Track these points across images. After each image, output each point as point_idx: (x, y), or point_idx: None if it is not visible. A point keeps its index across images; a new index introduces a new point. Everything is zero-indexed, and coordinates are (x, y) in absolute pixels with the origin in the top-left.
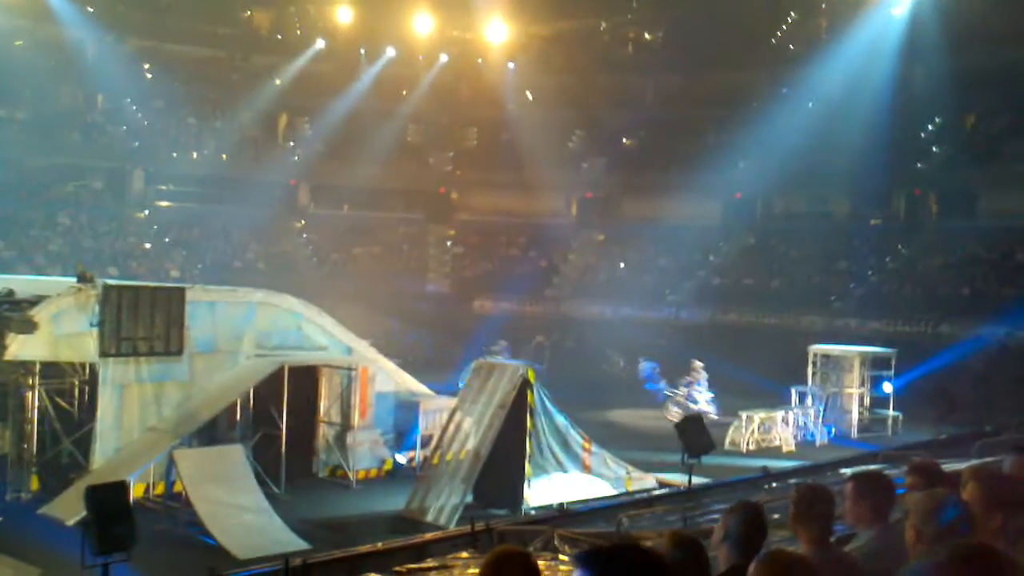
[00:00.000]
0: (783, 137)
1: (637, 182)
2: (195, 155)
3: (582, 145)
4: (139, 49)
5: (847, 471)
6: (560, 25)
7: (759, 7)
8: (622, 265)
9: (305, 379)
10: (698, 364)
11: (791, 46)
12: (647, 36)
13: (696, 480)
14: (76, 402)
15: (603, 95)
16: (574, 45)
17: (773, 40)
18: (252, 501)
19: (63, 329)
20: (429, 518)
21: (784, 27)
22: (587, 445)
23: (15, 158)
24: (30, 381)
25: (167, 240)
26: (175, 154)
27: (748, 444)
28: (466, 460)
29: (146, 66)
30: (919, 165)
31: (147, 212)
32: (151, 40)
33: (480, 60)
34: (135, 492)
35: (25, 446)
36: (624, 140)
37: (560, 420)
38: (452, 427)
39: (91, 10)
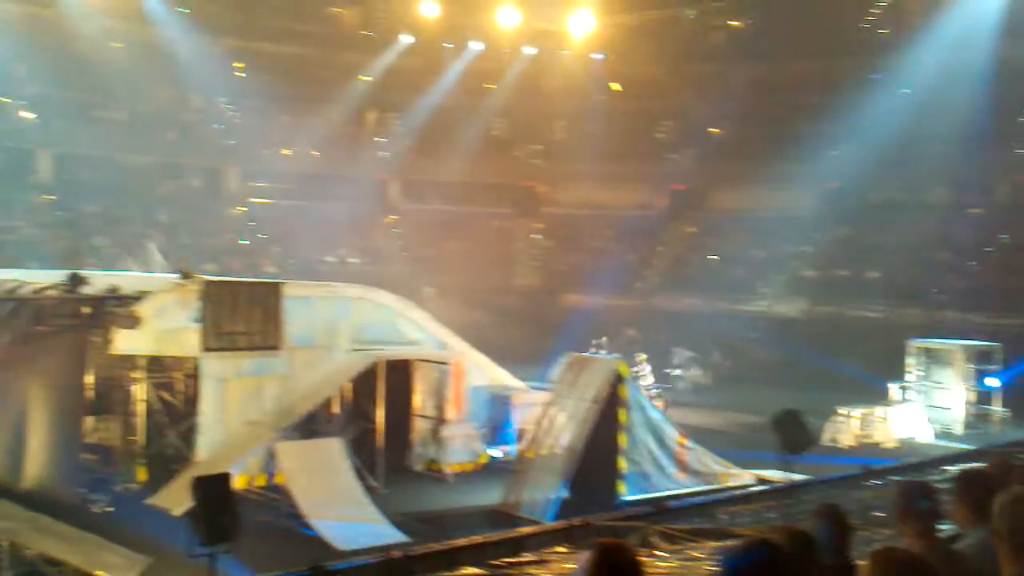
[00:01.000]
0: (877, 125)
1: (727, 172)
2: (288, 152)
3: (670, 136)
4: (232, 48)
5: (951, 469)
6: (646, 15)
7: None
8: (713, 257)
9: (400, 373)
10: (642, 356)
11: (883, 30)
12: (735, 24)
13: (794, 477)
14: (180, 395)
15: (691, 85)
16: (660, 35)
17: (864, 25)
18: (351, 494)
19: (166, 324)
20: (524, 512)
21: (875, 11)
22: (682, 440)
23: (115, 157)
24: (135, 375)
25: (262, 236)
26: (268, 152)
27: (847, 441)
28: (560, 454)
29: (239, 65)
30: (1021, 151)
31: (243, 209)
32: (243, 39)
33: (566, 52)
34: (237, 484)
35: (132, 438)
36: (713, 130)
37: (654, 415)
38: (546, 421)
39: (185, 11)
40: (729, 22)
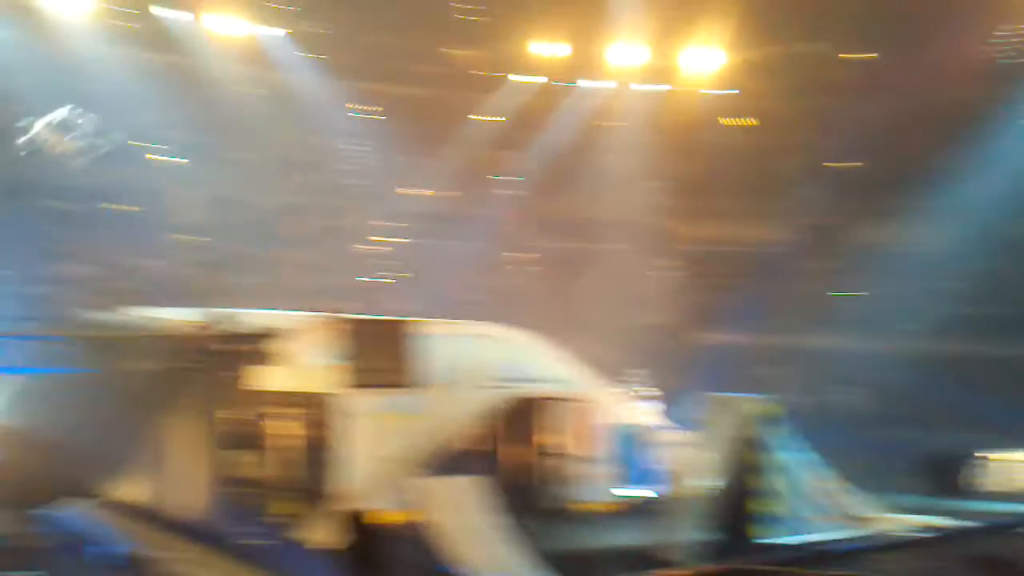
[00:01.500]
0: (1017, 155)
1: (862, 207)
2: (413, 192)
3: (803, 170)
4: (358, 91)
5: None
6: (773, 49)
7: (978, 22)
8: (849, 294)
9: (534, 411)
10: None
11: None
12: (864, 56)
13: (943, 523)
14: (319, 432)
15: (820, 118)
16: (788, 68)
17: (1000, 54)
18: (490, 533)
19: (305, 361)
20: (665, 555)
21: (1012, 40)
22: (832, 482)
23: (247, 199)
24: (275, 411)
25: (390, 275)
26: (394, 191)
27: (990, 485)
28: (703, 496)
29: (365, 107)
30: None
31: (371, 248)
32: (369, 82)
33: (693, 87)
34: (379, 520)
35: (276, 474)
36: (848, 164)
37: (801, 456)
38: (687, 461)
39: (311, 55)
40: (858, 54)
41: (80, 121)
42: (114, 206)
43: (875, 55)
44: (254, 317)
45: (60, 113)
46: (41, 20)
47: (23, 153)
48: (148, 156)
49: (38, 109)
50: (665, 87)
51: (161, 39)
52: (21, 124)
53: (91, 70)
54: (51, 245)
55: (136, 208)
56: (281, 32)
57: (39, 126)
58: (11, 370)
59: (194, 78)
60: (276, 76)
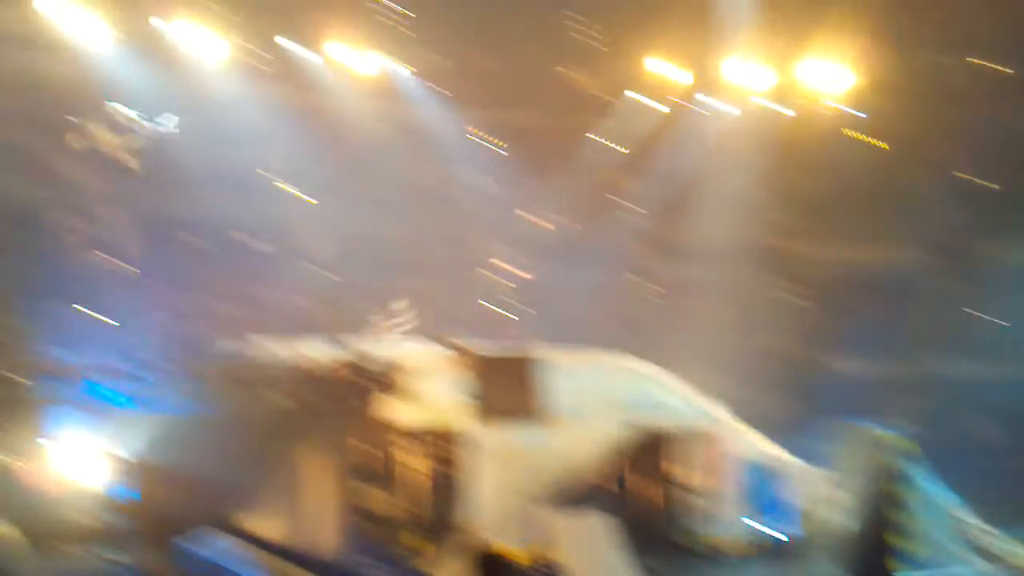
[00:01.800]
0: None
1: (1000, 226)
2: (535, 220)
3: (935, 188)
4: (479, 120)
5: None
6: (904, 64)
7: None
8: (987, 318)
9: (662, 444)
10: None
11: None
12: (999, 68)
13: None
14: (449, 466)
15: (955, 134)
16: (919, 86)
17: None
18: (620, 568)
19: (436, 395)
20: None
21: None
22: (970, 518)
23: (374, 231)
24: (406, 445)
25: (515, 305)
26: (516, 220)
27: None
28: (838, 536)
29: (486, 137)
30: None
31: (495, 278)
32: (489, 111)
33: (817, 105)
34: (507, 556)
35: (405, 508)
36: (983, 181)
37: (938, 490)
38: (820, 496)
39: (435, 87)
40: (991, 67)
41: (130, 118)
42: (248, 241)
43: (1012, 68)
44: (382, 349)
45: (110, 111)
46: (179, 61)
47: (78, 150)
48: (280, 191)
49: (174, 147)
50: (788, 105)
51: (293, 77)
52: (73, 123)
53: (227, 108)
54: (187, 281)
55: (268, 242)
56: (405, 67)
57: (92, 126)
58: (149, 406)
59: (322, 114)
60: (401, 109)
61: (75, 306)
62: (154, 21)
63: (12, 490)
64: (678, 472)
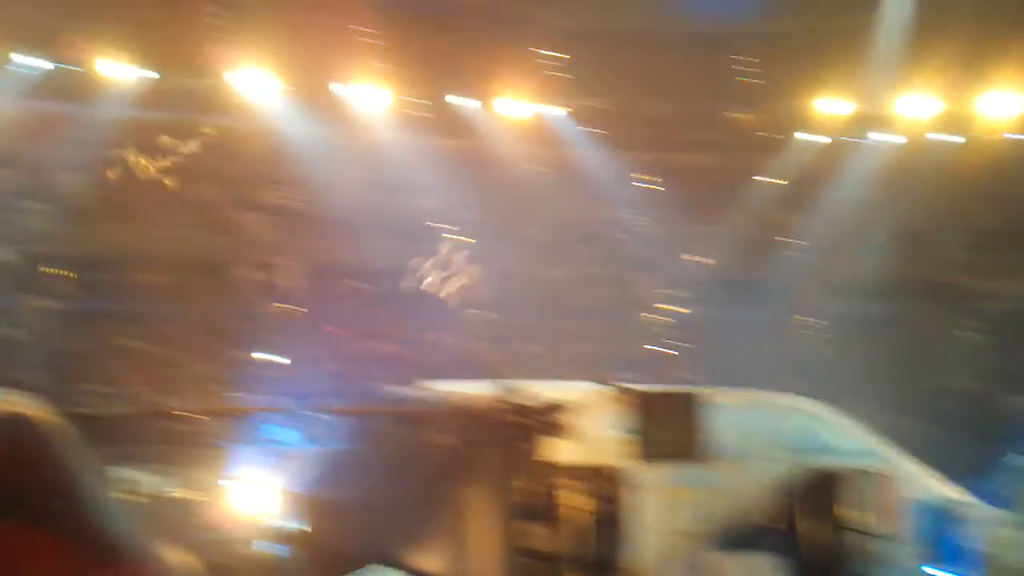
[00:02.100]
0: None
1: None
2: (697, 259)
3: None
4: (637, 161)
5: None
6: None
7: None
8: None
9: (833, 485)
10: None
11: None
12: None
13: None
14: (608, 504)
15: None
16: None
17: None
18: None
19: (593, 433)
20: None
21: None
22: None
23: (533, 272)
24: (564, 483)
25: (676, 344)
26: (677, 259)
27: None
28: None
29: (645, 177)
30: None
31: (656, 317)
32: (647, 152)
33: (991, 135)
34: None
35: (567, 547)
36: None
37: None
38: (1001, 541)
39: (590, 129)
40: None
41: (163, 144)
42: (412, 284)
43: None
44: (544, 389)
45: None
46: (343, 114)
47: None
48: (444, 236)
49: (342, 197)
50: (960, 136)
51: (451, 124)
52: (113, 155)
53: (388, 158)
54: (355, 324)
55: (432, 286)
56: (562, 110)
57: (129, 154)
58: (320, 444)
59: (482, 159)
60: (559, 153)
61: (251, 351)
62: (332, 85)
63: (194, 524)
64: (850, 514)
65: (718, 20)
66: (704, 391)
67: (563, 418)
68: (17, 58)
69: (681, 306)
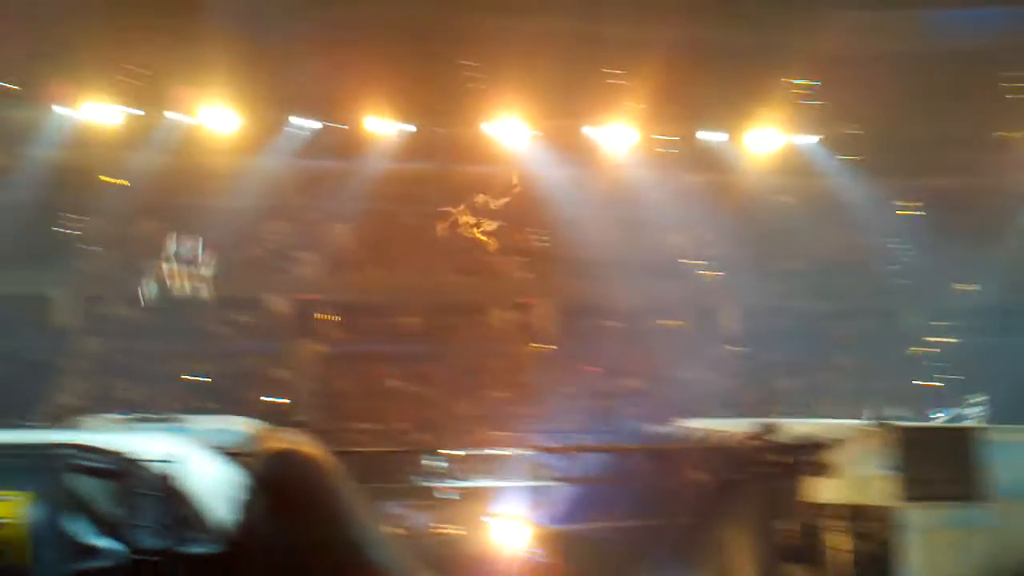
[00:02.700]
0: None
1: None
2: (967, 287)
3: None
4: (899, 187)
5: None
6: None
7: None
8: None
9: None
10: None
11: None
12: None
13: None
14: (875, 547)
15: None
16: None
17: None
18: None
19: (859, 472)
20: None
21: None
22: None
23: (795, 306)
24: (829, 524)
25: (946, 377)
26: (946, 288)
27: None
28: None
29: (903, 203)
30: None
31: (924, 350)
32: (909, 178)
33: None
34: None
35: None
36: None
37: None
38: None
39: (848, 157)
40: None
41: (189, 250)
42: (665, 322)
43: None
44: (804, 426)
45: (174, 249)
46: (593, 156)
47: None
48: (695, 271)
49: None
50: None
51: (701, 160)
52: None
53: (639, 196)
54: (606, 361)
55: (683, 322)
56: (814, 138)
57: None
58: (572, 481)
59: (734, 193)
60: (813, 182)
61: (508, 390)
62: (582, 128)
63: (455, 559)
64: None
65: (978, 36)
66: (975, 427)
67: (825, 456)
68: (293, 120)
69: (949, 336)
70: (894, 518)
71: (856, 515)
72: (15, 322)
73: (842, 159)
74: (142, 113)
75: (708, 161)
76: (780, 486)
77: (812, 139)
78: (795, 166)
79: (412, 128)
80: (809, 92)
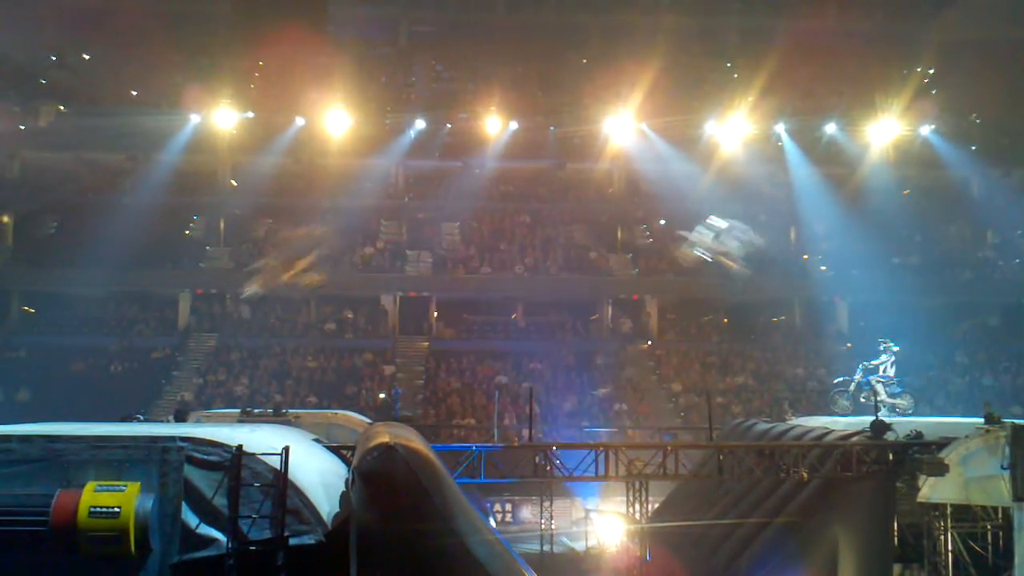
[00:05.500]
0: None
1: None
2: None
3: None
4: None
5: None
6: None
7: None
8: None
9: None
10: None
11: None
12: None
13: None
14: (989, 547)
15: None
16: None
17: None
18: None
19: (973, 471)
20: None
21: None
22: None
23: (910, 301)
24: (941, 524)
25: None
26: None
27: None
28: None
29: None
30: None
31: None
32: None
33: None
34: None
35: None
36: None
37: None
38: None
39: (974, 148)
40: None
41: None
42: (779, 318)
43: None
44: (917, 425)
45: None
46: (708, 151)
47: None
48: (808, 267)
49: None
50: None
51: (822, 151)
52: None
53: (755, 190)
54: (716, 357)
55: (791, 317)
56: (928, 128)
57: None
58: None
59: (854, 187)
60: (938, 174)
61: (605, 386)
62: (694, 124)
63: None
64: None
65: None
66: None
67: (940, 456)
68: (405, 120)
69: None
70: (1007, 518)
71: (968, 515)
72: (138, 320)
73: (963, 150)
74: (253, 115)
75: (829, 153)
76: (892, 485)
77: (930, 128)
78: (913, 159)
79: (522, 126)
80: (929, 81)
